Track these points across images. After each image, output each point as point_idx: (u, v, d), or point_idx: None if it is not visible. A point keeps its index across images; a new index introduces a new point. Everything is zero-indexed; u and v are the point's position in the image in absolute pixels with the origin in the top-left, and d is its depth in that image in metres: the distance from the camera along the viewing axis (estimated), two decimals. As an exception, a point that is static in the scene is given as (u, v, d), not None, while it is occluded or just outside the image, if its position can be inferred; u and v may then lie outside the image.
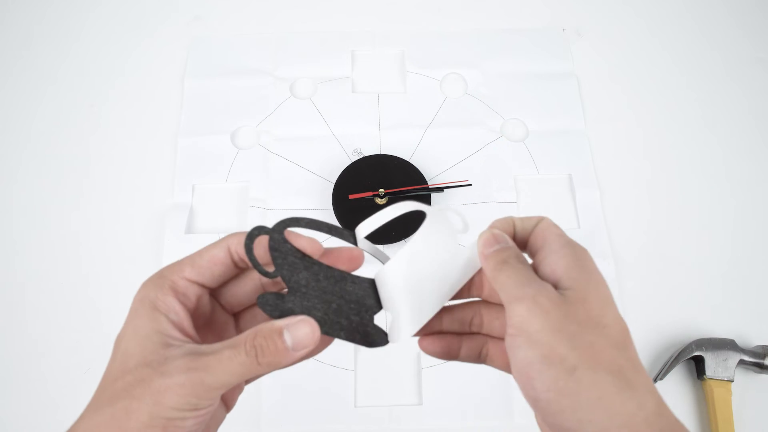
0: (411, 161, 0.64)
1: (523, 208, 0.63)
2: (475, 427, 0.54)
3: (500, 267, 0.27)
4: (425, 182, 0.62)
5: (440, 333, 0.31)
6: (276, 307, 0.27)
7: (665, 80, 0.71)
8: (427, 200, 0.61)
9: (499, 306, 0.30)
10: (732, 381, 0.54)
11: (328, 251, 0.29)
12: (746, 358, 0.54)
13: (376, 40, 0.73)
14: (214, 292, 0.30)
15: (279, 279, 0.28)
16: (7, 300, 0.59)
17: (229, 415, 0.57)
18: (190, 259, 0.28)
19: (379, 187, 0.59)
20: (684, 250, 0.62)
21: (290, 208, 0.63)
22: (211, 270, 0.28)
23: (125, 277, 0.58)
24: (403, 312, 0.29)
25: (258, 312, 0.31)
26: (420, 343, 0.31)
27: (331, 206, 0.61)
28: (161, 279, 0.27)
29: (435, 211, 0.29)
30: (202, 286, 0.28)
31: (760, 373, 0.55)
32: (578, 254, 0.28)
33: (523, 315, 0.24)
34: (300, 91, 0.70)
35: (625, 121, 0.69)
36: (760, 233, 0.63)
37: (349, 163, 0.63)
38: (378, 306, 0.30)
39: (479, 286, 0.30)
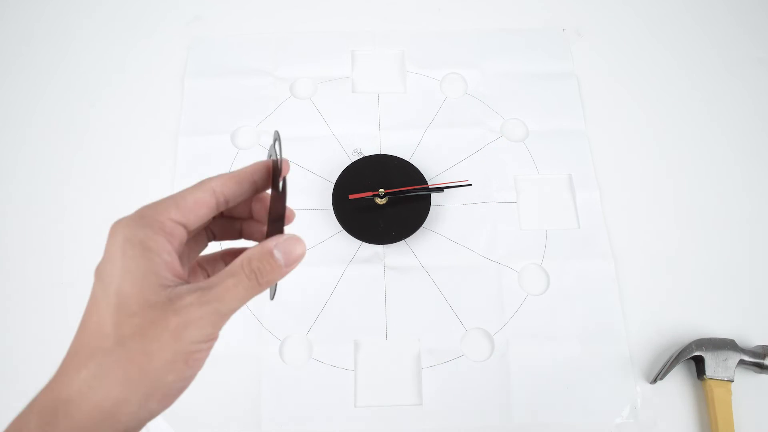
0: (411, 161, 0.64)
1: (523, 208, 0.63)
2: (475, 427, 0.54)
3: None
4: (425, 182, 0.62)
5: None
6: None
7: (665, 80, 0.71)
8: (427, 200, 0.61)
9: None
10: (732, 381, 0.54)
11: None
12: (746, 358, 0.54)
13: (376, 40, 0.73)
14: None
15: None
16: (6, 300, 0.59)
17: (229, 415, 0.57)
18: (173, 201, 0.28)
19: (379, 187, 0.59)
20: (684, 250, 0.62)
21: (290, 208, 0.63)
22: (196, 213, 0.28)
23: (125, 277, 0.58)
24: None
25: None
26: None
27: (331, 206, 0.61)
28: (147, 219, 0.26)
29: None
30: (185, 228, 0.28)
31: (760, 373, 0.55)
32: None
33: None
34: (300, 91, 0.70)
35: (625, 121, 0.69)
36: (761, 233, 0.63)
37: (349, 163, 0.63)
38: None
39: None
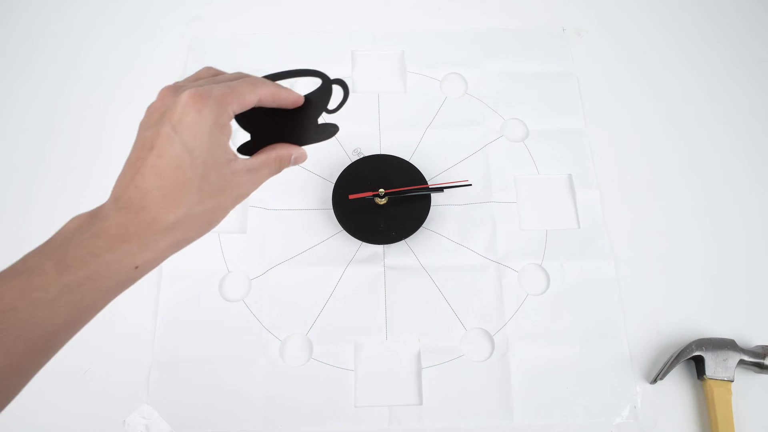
0: (411, 161, 0.64)
1: (523, 208, 0.63)
2: (475, 427, 0.54)
3: None
4: (425, 182, 0.62)
5: None
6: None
7: (665, 80, 0.71)
8: (427, 200, 0.61)
9: None
10: (732, 381, 0.54)
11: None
12: (746, 358, 0.54)
13: (376, 40, 0.73)
14: None
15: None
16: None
17: (229, 415, 0.57)
18: (236, 97, 0.35)
19: (379, 187, 0.59)
20: (684, 250, 0.62)
21: (290, 208, 0.63)
22: (244, 109, 0.36)
23: (125, 277, 0.58)
24: None
25: None
26: None
27: (331, 206, 0.61)
28: (222, 107, 0.34)
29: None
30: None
31: (760, 373, 0.55)
32: None
33: None
34: (300, 91, 0.69)
35: (625, 121, 0.69)
36: (760, 233, 0.63)
37: (349, 163, 0.63)
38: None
39: None
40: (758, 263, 0.62)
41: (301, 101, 0.39)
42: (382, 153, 0.65)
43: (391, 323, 0.58)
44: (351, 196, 0.59)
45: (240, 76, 0.37)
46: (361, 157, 0.64)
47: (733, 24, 0.75)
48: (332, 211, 0.61)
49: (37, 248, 0.34)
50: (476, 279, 0.60)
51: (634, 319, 0.58)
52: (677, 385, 0.56)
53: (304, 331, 0.58)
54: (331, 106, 0.40)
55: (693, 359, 0.56)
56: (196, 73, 0.39)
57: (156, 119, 0.35)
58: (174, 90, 0.36)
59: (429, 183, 0.63)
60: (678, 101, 0.70)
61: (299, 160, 0.41)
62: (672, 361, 0.54)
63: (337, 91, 0.40)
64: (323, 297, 0.59)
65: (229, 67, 0.70)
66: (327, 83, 0.39)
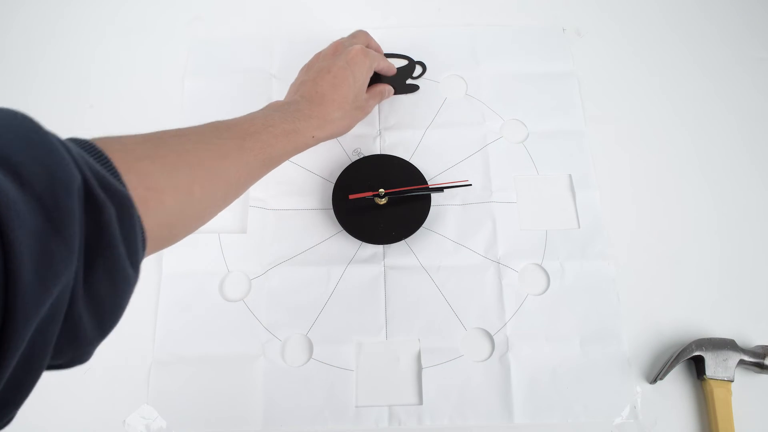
0: (411, 161, 0.64)
1: (523, 208, 0.64)
2: (475, 427, 0.54)
3: None
4: (425, 182, 0.62)
5: None
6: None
7: (666, 80, 0.71)
8: (427, 200, 0.61)
9: None
10: (732, 381, 0.54)
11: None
12: (746, 358, 0.54)
13: (376, 39, 0.73)
14: None
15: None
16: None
17: (228, 415, 0.57)
18: (379, 60, 0.60)
19: (379, 187, 0.59)
20: (684, 250, 0.62)
21: (290, 208, 0.63)
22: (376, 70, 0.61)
23: (125, 277, 0.58)
24: None
25: None
26: None
27: (331, 206, 0.61)
28: (372, 62, 0.58)
29: None
30: None
31: (760, 373, 0.55)
32: None
33: None
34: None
35: (626, 121, 0.69)
36: (761, 233, 0.63)
37: (349, 163, 0.64)
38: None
39: None
40: (759, 263, 0.62)
41: (395, 72, 0.65)
42: (382, 153, 0.65)
43: (391, 323, 0.58)
44: (351, 196, 0.59)
45: (374, 46, 0.63)
46: (361, 157, 0.64)
47: (733, 24, 0.75)
48: (332, 211, 0.61)
49: (265, 107, 0.50)
50: (476, 279, 0.60)
51: (634, 319, 0.58)
52: (677, 385, 0.56)
53: (304, 331, 0.58)
54: (414, 74, 0.69)
55: (693, 359, 0.56)
56: (354, 35, 0.61)
57: (331, 57, 0.56)
58: (342, 43, 0.58)
59: (429, 183, 0.63)
60: (678, 101, 0.70)
61: (390, 93, 0.65)
62: (672, 361, 0.54)
63: (419, 68, 0.69)
64: (323, 297, 0.59)
65: (229, 67, 0.70)
66: (411, 62, 0.69)
